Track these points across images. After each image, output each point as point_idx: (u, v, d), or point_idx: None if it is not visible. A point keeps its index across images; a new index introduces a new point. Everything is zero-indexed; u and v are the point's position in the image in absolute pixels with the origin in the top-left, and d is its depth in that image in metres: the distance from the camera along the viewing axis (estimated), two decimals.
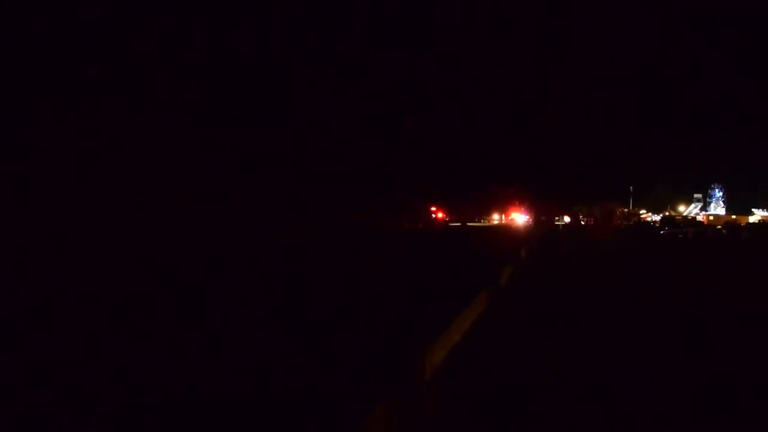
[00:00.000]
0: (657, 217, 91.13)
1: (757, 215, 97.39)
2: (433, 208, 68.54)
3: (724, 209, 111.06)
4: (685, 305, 8.91)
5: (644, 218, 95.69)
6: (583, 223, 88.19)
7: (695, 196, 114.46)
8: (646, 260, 17.89)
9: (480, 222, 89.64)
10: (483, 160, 50.95)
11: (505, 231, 47.14)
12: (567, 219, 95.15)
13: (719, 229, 56.14)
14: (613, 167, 54.53)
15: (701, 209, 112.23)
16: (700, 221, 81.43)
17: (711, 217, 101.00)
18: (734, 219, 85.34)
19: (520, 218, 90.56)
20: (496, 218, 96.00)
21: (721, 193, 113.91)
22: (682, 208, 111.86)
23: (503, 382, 4.44)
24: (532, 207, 78.07)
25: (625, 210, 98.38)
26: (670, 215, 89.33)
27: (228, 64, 23.52)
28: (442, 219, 70.80)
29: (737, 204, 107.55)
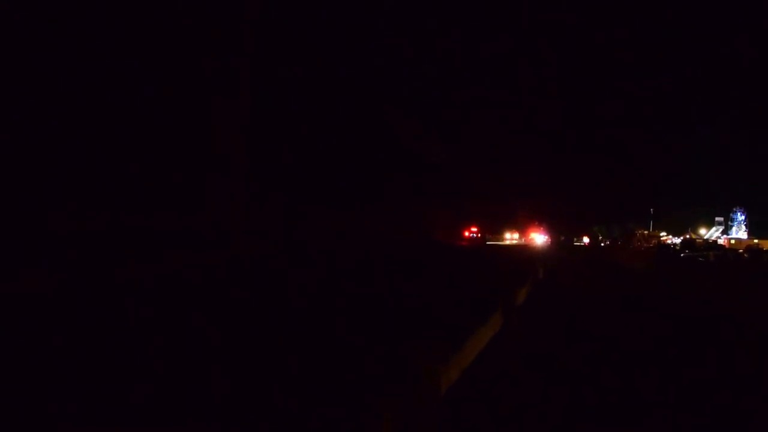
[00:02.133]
0: (677, 240, 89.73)
1: None
2: (474, 228, 74.10)
3: (746, 233, 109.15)
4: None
5: (664, 241, 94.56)
6: (602, 244, 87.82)
7: (717, 219, 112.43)
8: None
9: (499, 241, 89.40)
10: (505, 181, 51.86)
11: (524, 251, 47.41)
12: (586, 240, 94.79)
13: (741, 253, 55.36)
14: (634, 188, 55.06)
15: (722, 233, 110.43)
16: (721, 245, 79.44)
17: (732, 241, 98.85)
18: (756, 243, 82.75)
19: (539, 238, 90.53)
20: (508, 237, 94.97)
21: (743, 217, 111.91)
22: (703, 231, 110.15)
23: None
24: (551, 227, 79.26)
25: (645, 232, 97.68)
26: (690, 238, 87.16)
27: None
28: (481, 238, 76.53)
29: (760, 228, 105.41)
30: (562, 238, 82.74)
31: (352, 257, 20.64)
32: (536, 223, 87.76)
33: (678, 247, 66.76)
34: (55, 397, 4.11)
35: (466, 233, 71.83)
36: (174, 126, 16.36)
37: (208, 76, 17.92)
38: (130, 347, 5.58)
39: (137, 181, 14.89)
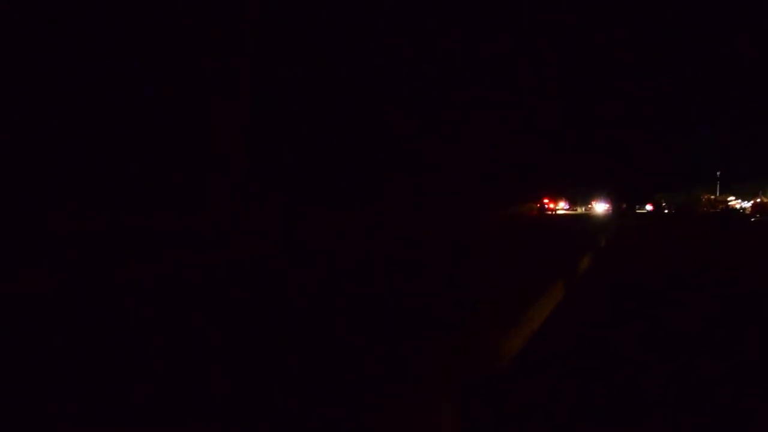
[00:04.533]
0: (747, 204, 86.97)
1: None
2: (546, 200, 77.57)
3: None
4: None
5: (732, 205, 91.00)
6: (666, 211, 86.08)
7: None
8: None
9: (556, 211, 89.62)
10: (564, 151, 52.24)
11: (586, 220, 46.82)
12: (649, 207, 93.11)
13: None
14: (697, 152, 55.29)
15: None
16: None
17: None
18: None
19: (599, 206, 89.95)
20: (561, 206, 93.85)
21: None
22: None
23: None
24: (612, 195, 79.09)
25: (712, 197, 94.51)
26: (762, 201, 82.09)
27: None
28: (552, 209, 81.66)
29: None
30: (624, 206, 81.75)
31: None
32: (597, 191, 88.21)
33: (748, 211, 63.50)
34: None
35: (543, 204, 76.67)
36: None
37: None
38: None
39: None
